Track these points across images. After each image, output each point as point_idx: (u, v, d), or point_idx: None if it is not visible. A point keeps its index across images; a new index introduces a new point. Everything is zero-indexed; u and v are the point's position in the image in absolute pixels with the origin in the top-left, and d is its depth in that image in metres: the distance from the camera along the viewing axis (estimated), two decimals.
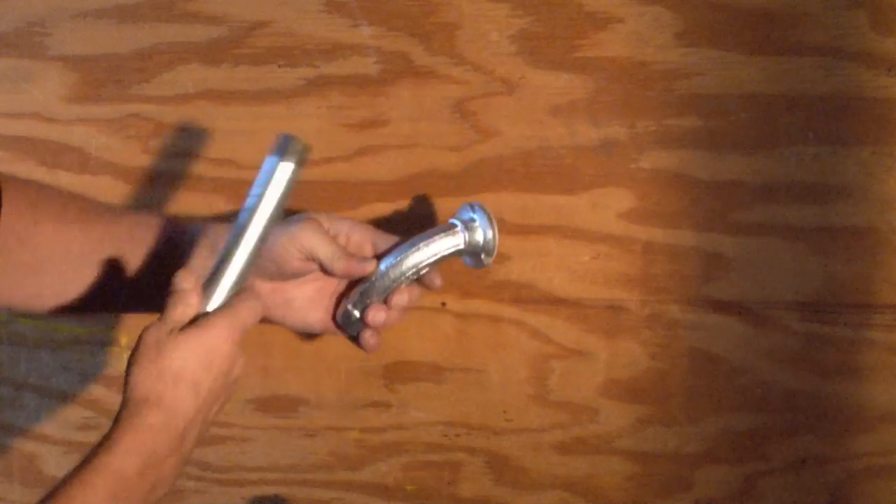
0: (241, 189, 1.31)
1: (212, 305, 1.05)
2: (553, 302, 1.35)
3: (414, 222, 1.35)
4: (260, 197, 1.06)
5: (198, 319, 1.03)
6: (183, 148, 1.40)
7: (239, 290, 1.06)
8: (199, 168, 1.40)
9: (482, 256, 1.18)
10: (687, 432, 1.35)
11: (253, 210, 1.06)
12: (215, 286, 1.06)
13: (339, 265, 1.15)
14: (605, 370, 1.36)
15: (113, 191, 1.42)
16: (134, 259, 1.18)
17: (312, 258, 1.15)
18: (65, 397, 1.51)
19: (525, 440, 1.39)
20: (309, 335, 1.40)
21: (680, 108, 1.29)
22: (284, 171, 1.06)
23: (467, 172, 1.35)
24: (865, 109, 1.25)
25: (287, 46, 1.35)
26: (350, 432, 1.44)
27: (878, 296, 1.28)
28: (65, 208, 1.19)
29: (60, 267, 1.17)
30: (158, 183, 1.41)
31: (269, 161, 1.06)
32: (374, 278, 1.17)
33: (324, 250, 1.15)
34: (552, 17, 1.29)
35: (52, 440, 1.53)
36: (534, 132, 1.32)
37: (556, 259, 1.34)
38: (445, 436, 1.41)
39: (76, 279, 1.18)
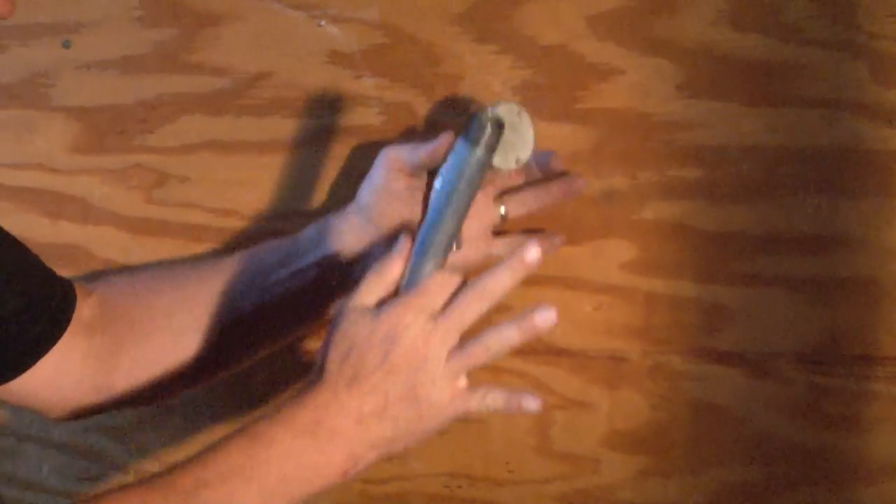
0: (243, 239, 1.34)
1: (412, 279, 1.05)
2: (555, 352, 1.33)
3: None
4: (453, 185, 1.06)
5: (387, 301, 1.04)
6: (186, 198, 1.39)
7: (438, 267, 1.07)
8: (202, 218, 1.39)
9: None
10: (688, 483, 1.33)
11: (448, 192, 1.06)
12: (419, 261, 1.06)
13: (422, 151, 1.15)
14: (606, 421, 1.34)
15: (115, 241, 1.41)
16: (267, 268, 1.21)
17: (402, 165, 1.17)
18: (66, 448, 1.49)
19: (527, 491, 1.37)
20: None
21: (681, 159, 1.27)
22: (475, 159, 1.06)
23: None
24: (867, 161, 1.24)
25: (290, 97, 1.35)
26: (353, 484, 1.39)
27: (880, 347, 1.26)
28: (181, 268, 1.25)
29: (200, 307, 1.22)
30: (161, 233, 1.40)
31: (460, 144, 1.06)
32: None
33: (404, 149, 1.17)
34: (554, 69, 1.28)
35: (54, 491, 1.51)
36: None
37: (557, 309, 1.30)
38: (447, 487, 1.39)
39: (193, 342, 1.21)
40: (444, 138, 1.14)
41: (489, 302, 1.04)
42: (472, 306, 1.03)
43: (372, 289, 1.05)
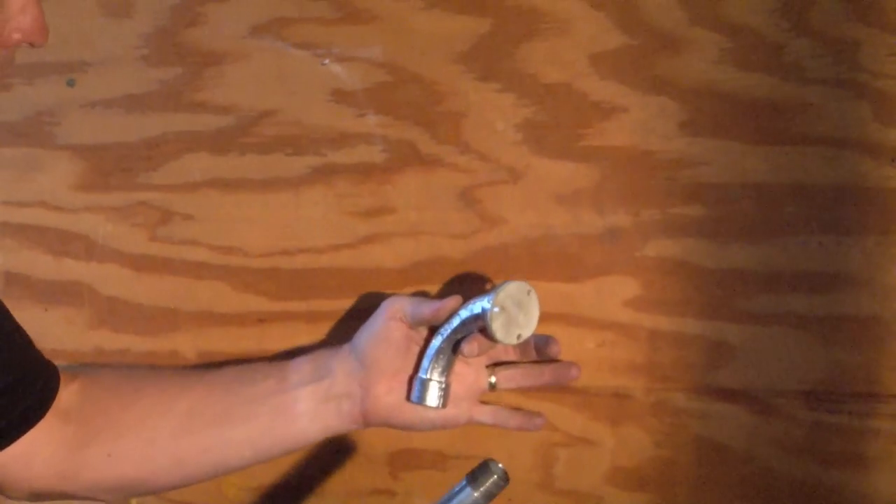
0: (247, 277, 1.33)
1: None
2: (558, 390, 1.33)
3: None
4: None
5: None
6: (190, 236, 1.39)
7: None
8: (206, 256, 1.39)
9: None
10: None
11: None
12: None
13: (426, 308, 1.19)
14: (610, 458, 1.33)
15: (119, 278, 1.40)
16: (247, 404, 1.22)
17: (404, 318, 1.21)
18: None
19: None
20: None
21: (684, 196, 1.27)
22: (470, 500, 1.10)
23: (472, 260, 1.33)
24: (869, 199, 1.24)
25: (294, 135, 1.34)
26: None
27: (883, 385, 1.26)
28: (164, 376, 1.25)
29: (168, 433, 1.21)
30: (165, 271, 1.40)
31: (463, 483, 1.11)
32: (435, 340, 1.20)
33: (410, 303, 1.21)
34: (557, 107, 1.28)
35: None
36: (539, 220, 1.30)
37: (561, 346, 1.29)
38: None
39: (190, 443, 1.22)
40: (451, 301, 1.18)
41: None
42: None
43: None
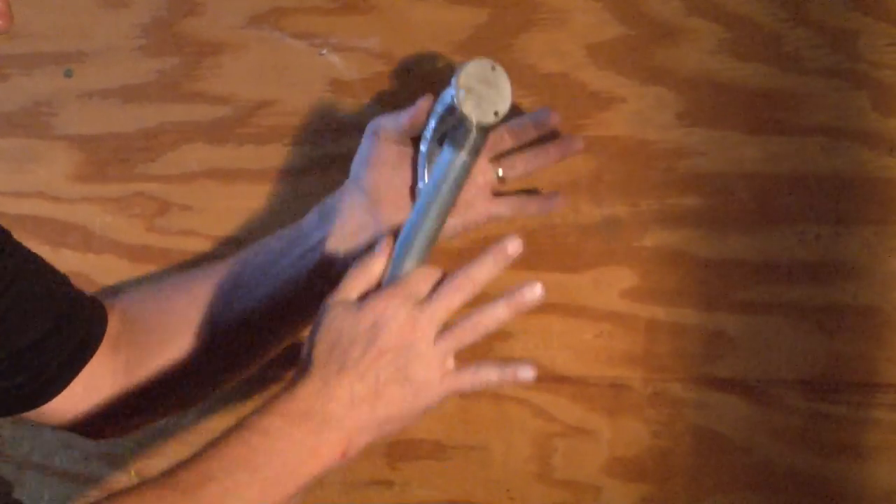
0: None
1: (393, 277, 1.06)
2: (556, 380, 1.32)
3: None
4: (438, 187, 1.07)
5: (371, 293, 1.05)
6: (188, 227, 1.39)
7: (420, 264, 1.07)
8: (204, 246, 1.39)
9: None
10: None
11: (432, 194, 1.07)
12: (400, 259, 1.06)
13: (403, 118, 1.16)
14: (608, 449, 1.33)
15: (117, 269, 1.41)
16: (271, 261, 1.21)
17: (388, 133, 1.18)
18: (67, 476, 1.48)
19: None
20: None
21: (682, 187, 1.27)
22: (460, 163, 1.07)
23: (471, 250, 1.28)
24: (867, 189, 1.23)
25: (292, 126, 1.34)
26: None
27: (881, 375, 1.26)
28: (188, 271, 1.27)
29: (210, 302, 1.22)
30: (162, 261, 1.40)
31: (446, 148, 1.07)
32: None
33: (389, 118, 1.18)
34: (555, 97, 1.28)
35: None
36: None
37: (559, 337, 1.32)
38: None
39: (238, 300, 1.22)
40: (423, 102, 1.15)
41: (472, 290, 1.04)
42: (457, 293, 1.03)
43: (354, 284, 1.06)
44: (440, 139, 1.13)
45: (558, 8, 1.27)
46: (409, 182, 1.19)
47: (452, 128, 1.08)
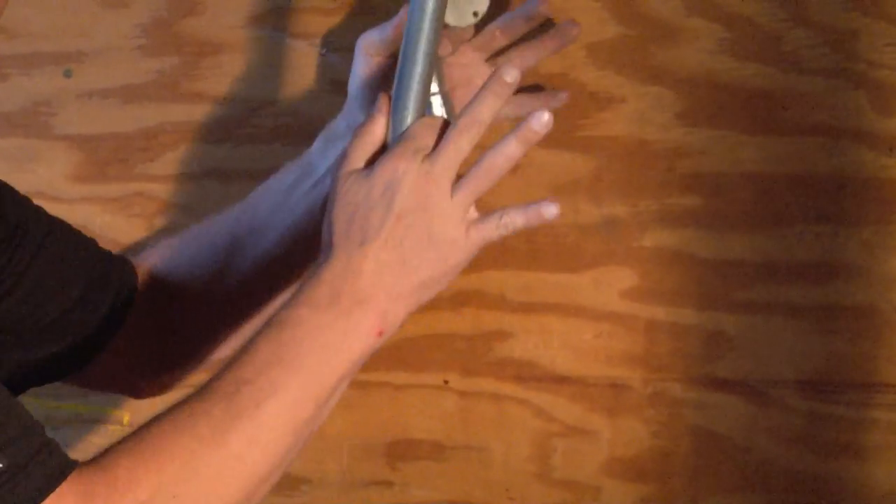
0: None
1: (396, 134, 1.03)
2: (556, 380, 1.32)
3: None
4: (415, 27, 1.04)
5: (379, 156, 1.03)
6: (187, 226, 1.35)
7: (420, 114, 1.05)
8: None
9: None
10: None
11: (413, 34, 1.04)
12: (398, 113, 1.04)
13: (388, 28, 1.14)
14: (607, 449, 1.33)
15: None
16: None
17: (378, 50, 1.16)
18: None
19: None
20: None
21: (681, 187, 1.27)
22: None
23: None
24: (867, 189, 1.24)
25: (291, 126, 1.34)
26: None
27: (880, 375, 1.26)
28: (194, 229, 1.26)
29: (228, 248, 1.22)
30: None
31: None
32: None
33: (373, 32, 1.16)
34: None
35: None
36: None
37: (558, 337, 1.31)
38: None
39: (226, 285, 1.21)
40: (405, 9, 1.12)
41: (479, 130, 1.02)
42: (463, 137, 1.01)
43: (359, 153, 1.04)
44: None
45: (558, 8, 1.25)
46: None
47: None
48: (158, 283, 1.23)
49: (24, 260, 1.14)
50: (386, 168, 1.00)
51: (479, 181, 1.01)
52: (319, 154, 1.20)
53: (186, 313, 1.22)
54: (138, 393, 1.26)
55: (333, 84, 1.32)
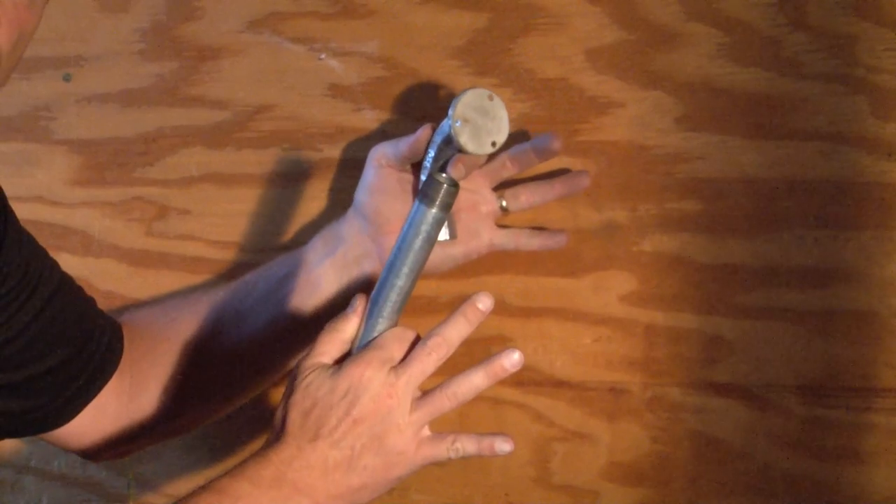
0: (243, 272, 1.30)
1: (366, 338, 1.05)
2: (555, 385, 1.32)
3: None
4: (408, 244, 1.06)
5: (345, 358, 1.05)
6: (187, 231, 1.38)
7: (393, 324, 1.07)
8: (203, 251, 1.38)
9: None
10: None
11: (403, 250, 1.06)
12: (373, 318, 1.05)
13: (403, 145, 1.17)
14: (606, 453, 1.33)
15: (116, 273, 1.40)
16: (278, 287, 1.22)
17: (390, 161, 1.19)
18: (66, 480, 1.47)
19: None
20: None
21: (681, 191, 1.27)
22: (431, 218, 1.06)
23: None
24: (866, 194, 1.23)
25: (291, 130, 1.34)
26: None
27: (879, 380, 1.25)
28: (191, 296, 1.27)
29: (213, 333, 1.23)
30: (161, 266, 1.39)
31: (416, 204, 1.06)
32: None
33: (389, 145, 1.19)
34: (554, 102, 1.28)
35: None
36: (536, 215, 1.29)
37: (557, 342, 1.31)
38: None
39: (241, 326, 1.23)
40: (424, 131, 1.15)
41: (447, 351, 1.03)
42: (431, 356, 1.03)
43: (327, 347, 1.05)
44: (440, 168, 1.12)
45: (557, 12, 1.27)
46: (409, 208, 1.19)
47: (423, 185, 1.08)
48: (135, 345, 1.23)
49: (31, 312, 1.14)
50: (352, 372, 1.01)
51: (440, 405, 1.03)
52: (315, 253, 1.22)
53: (157, 382, 1.23)
54: (95, 456, 1.25)
55: (331, 88, 1.33)
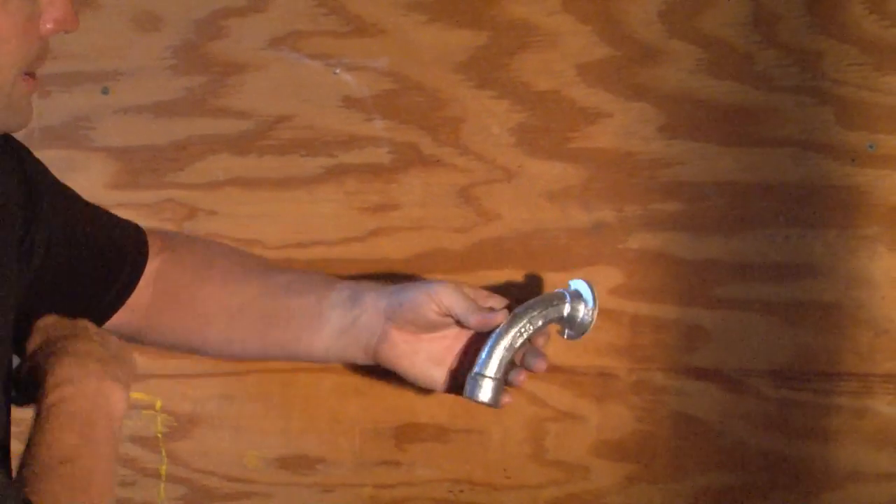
0: None
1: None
2: (548, 369, 1.27)
3: None
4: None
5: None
6: (213, 230, 1.39)
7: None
8: None
9: (577, 328, 1.18)
10: (671, 489, 1.32)
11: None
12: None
13: (474, 317, 1.15)
14: (595, 432, 1.33)
15: None
16: (287, 312, 1.21)
17: (449, 313, 1.15)
18: None
19: (523, 496, 1.36)
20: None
21: (663, 194, 1.28)
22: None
23: (470, 252, 1.33)
24: (832, 196, 1.24)
25: (308, 138, 1.35)
26: (364, 488, 1.41)
27: (844, 365, 1.26)
28: (230, 267, 1.23)
29: (223, 320, 1.22)
30: None
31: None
32: (494, 338, 1.15)
33: (461, 304, 1.15)
34: (547, 112, 1.29)
35: None
36: (531, 216, 1.31)
37: (550, 330, 1.27)
38: (451, 492, 1.38)
39: (238, 330, 1.22)
40: (499, 317, 1.15)
41: None
42: None
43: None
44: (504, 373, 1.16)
45: (551, 31, 1.28)
46: (431, 338, 1.19)
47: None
48: (163, 274, 1.22)
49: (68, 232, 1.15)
50: None
51: None
52: (336, 298, 1.20)
53: (169, 315, 1.23)
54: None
55: (345, 100, 1.34)
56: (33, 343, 1.06)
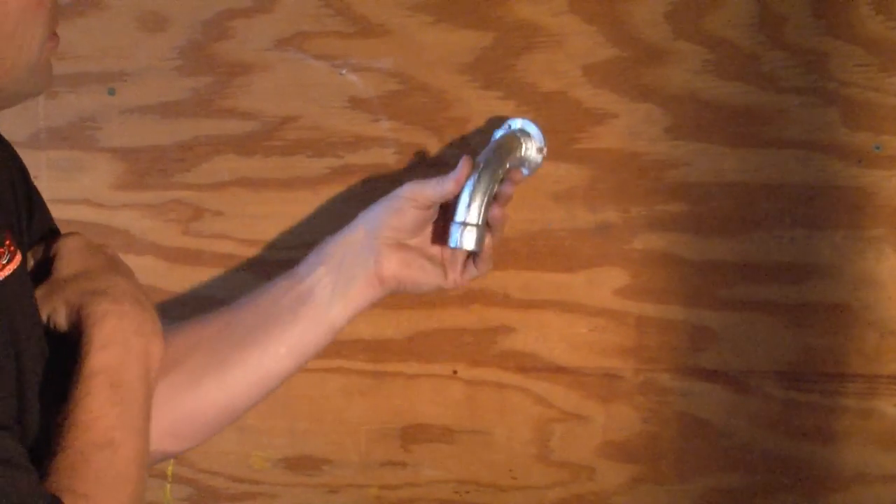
0: (270, 267, 1.32)
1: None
2: (554, 370, 1.33)
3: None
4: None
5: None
6: (219, 230, 1.39)
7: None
8: (234, 248, 1.39)
9: (531, 167, 1.23)
10: (677, 490, 1.32)
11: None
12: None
13: (447, 184, 1.16)
14: (601, 433, 1.33)
15: (155, 269, 1.41)
16: (278, 323, 1.19)
17: (424, 199, 1.17)
18: None
19: (529, 497, 1.36)
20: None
21: (669, 195, 1.27)
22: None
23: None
24: (838, 197, 1.24)
25: (314, 139, 1.35)
26: (369, 489, 1.40)
27: (850, 366, 1.26)
28: (202, 358, 1.18)
29: (243, 392, 1.19)
30: (196, 262, 1.40)
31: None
32: (469, 187, 1.16)
33: (429, 185, 1.17)
34: (553, 113, 1.29)
35: None
36: (536, 216, 1.30)
37: (556, 331, 1.32)
38: (456, 492, 1.38)
39: (262, 382, 1.19)
40: (466, 168, 1.15)
41: None
42: None
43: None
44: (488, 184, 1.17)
45: (556, 32, 1.27)
46: (416, 243, 1.19)
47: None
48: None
49: None
50: None
51: None
52: (306, 268, 1.19)
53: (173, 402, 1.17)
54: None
55: (351, 101, 1.33)
56: (65, 268, 1.03)
